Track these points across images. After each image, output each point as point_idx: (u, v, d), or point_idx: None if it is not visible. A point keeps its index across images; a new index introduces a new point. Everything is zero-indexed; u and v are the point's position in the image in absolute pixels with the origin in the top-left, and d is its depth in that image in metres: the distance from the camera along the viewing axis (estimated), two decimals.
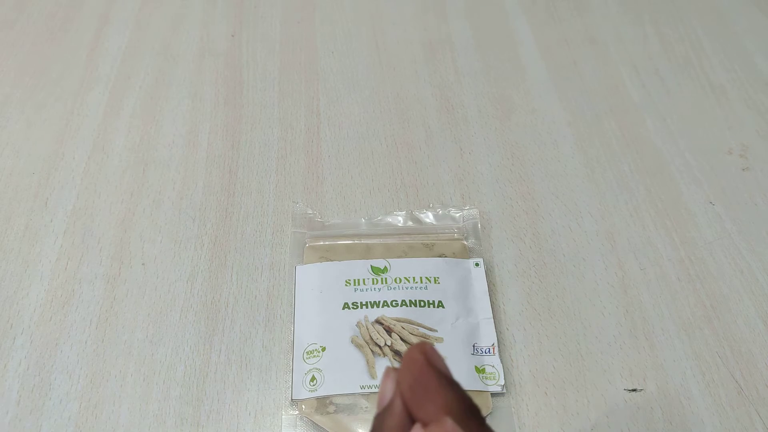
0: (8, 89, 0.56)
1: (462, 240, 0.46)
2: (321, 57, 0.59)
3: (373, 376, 0.38)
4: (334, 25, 0.62)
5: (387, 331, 0.40)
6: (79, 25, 0.62)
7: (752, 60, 0.59)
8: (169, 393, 0.39)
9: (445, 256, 0.44)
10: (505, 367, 0.40)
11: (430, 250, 0.45)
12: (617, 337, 0.42)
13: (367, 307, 0.41)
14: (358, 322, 0.41)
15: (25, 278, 0.44)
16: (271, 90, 0.57)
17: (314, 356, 0.40)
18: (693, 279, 0.44)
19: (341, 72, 0.58)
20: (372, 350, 0.39)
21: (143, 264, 0.45)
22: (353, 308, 0.41)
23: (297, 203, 0.48)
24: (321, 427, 0.37)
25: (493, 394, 0.39)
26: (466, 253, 0.45)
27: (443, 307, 0.41)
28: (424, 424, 0.21)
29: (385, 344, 0.39)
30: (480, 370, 0.39)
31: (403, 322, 0.41)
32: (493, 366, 0.39)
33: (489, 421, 0.22)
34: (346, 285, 0.42)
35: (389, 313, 0.41)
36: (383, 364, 0.39)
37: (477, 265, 0.44)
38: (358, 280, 0.43)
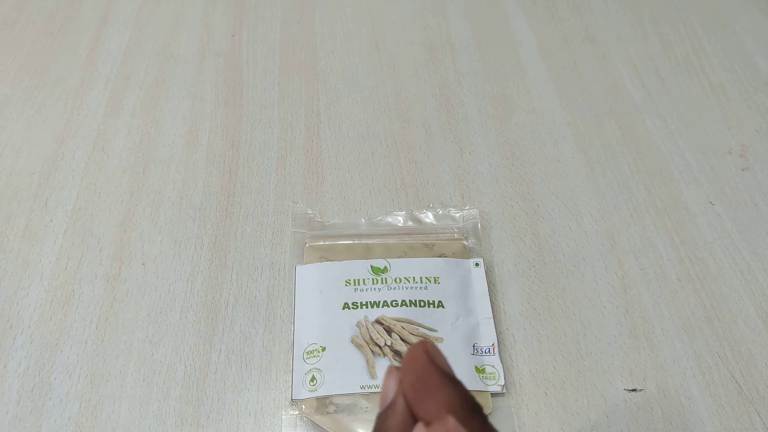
0: (8, 89, 0.56)
1: (462, 240, 0.46)
2: (321, 57, 0.59)
3: (373, 376, 0.38)
4: (334, 25, 0.62)
5: (387, 331, 0.40)
6: (79, 25, 0.62)
7: (752, 60, 0.59)
8: (169, 393, 0.39)
9: (445, 256, 0.44)
10: (505, 367, 0.40)
11: (430, 250, 0.45)
12: (617, 337, 0.42)
13: (367, 307, 0.41)
14: (358, 322, 0.41)
15: (25, 278, 0.44)
16: (271, 90, 0.57)
17: (314, 356, 0.40)
18: (693, 279, 0.44)
19: (341, 72, 0.58)
20: (372, 350, 0.39)
21: (143, 264, 0.45)
22: (353, 308, 0.41)
23: (297, 203, 0.48)
24: (321, 427, 0.37)
25: (493, 394, 0.39)
26: (466, 253, 0.45)
27: (443, 307, 0.41)
28: (427, 423, 0.21)
29: (385, 344, 0.39)
30: (480, 370, 0.39)
31: (403, 322, 0.41)
32: (493, 366, 0.39)
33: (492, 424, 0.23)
34: (346, 285, 0.42)
35: (389, 313, 0.41)
36: (383, 364, 0.39)
37: (477, 265, 0.44)
38: (358, 280, 0.43)
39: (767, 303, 0.43)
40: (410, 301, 0.42)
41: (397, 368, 0.23)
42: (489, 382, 0.39)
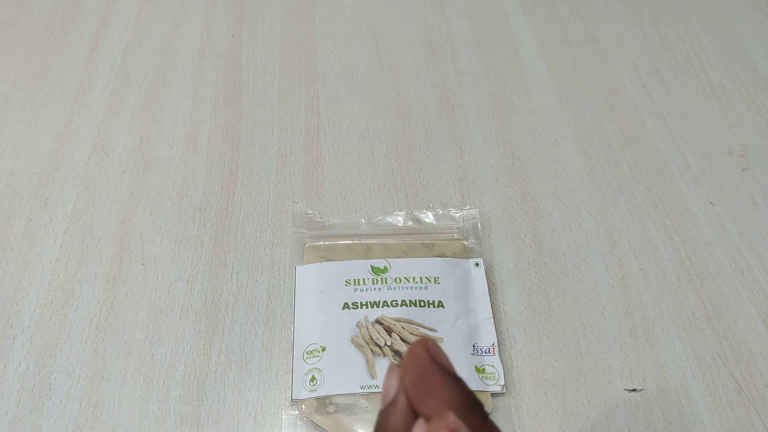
0: (8, 89, 0.56)
1: (462, 240, 0.46)
2: (321, 57, 0.59)
3: (373, 376, 0.38)
4: (334, 25, 0.62)
5: (387, 331, 0.40)
6: (79, 25, 0.62)
7: (752, 60, 0.59)
8: (169, 393, 0.39)
9: (445, 256, 0.44)
10: (505, 367, 0.40)
11: (430, 250, 0.45)
12: (617, 337, 0.42)
13: (367, 307, 0.41)
14: (358, 322, 0.41)
15: (25, 278, 0.44)
16: (271, 90, 0.57)
17: (314, 356, 0.40)
18: (693, 279, 0.44)
19: (341, 72, 0.58)
20: (372, 350, 0.39)
21: (143, 264, 0.45)
22: (353, 308, 0.41)
23: (297, 203, 0.48)
24: (321, 427, 0.37)
25: (493, 394, 0.39)
26: (466, 253, 0.45)
27: (443, 307, 0.41)
28: (427, 419, 0.21)
29: (385, 344, 0.39)
30: (480, 370, 0.39)
31: (403, 322, 0.41)
32: (493, 366, 0.39)
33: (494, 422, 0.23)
34: (346, 285, 0.42)
35: (389, 313, 0.41)
36: (383, 364, 0.39)
37: (477, 265, 0.44)
38: (358, 280, 0.43)
39: (767, 303, 0.43)
40: (410, 301, 0.42)
41: (398, 366, 0.23)
42: (489, 382, 0.39)
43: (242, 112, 0.55)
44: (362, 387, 0.38)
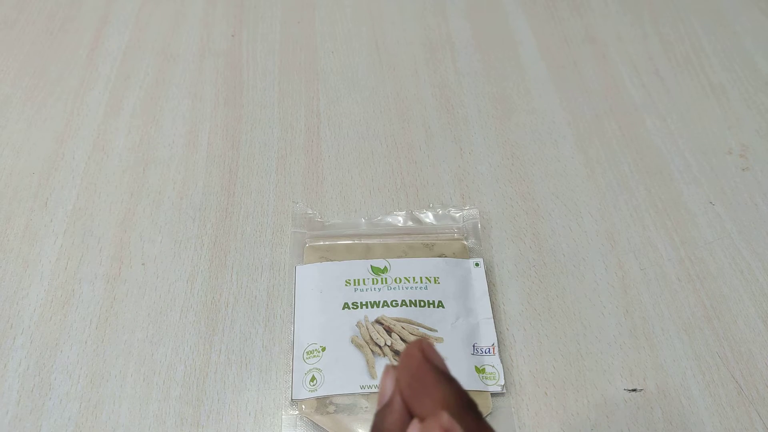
0: (8, 89, 0.56)
1: (462, 240, 0.46)
2: (321, 57, 0.59)
3: (373, 376, 0.38)
4: (334, 25, 0.62)
5: (387, 331, 0.40)
6: (79, 25, 0.62)
7: (752, 60, 0.59)
8: (169, 393, 0.39)
9: (445, 256, 0.44)
10: (505, 367, 0.40)
11: (430, 250, 0.45)
12: (617, 337, 0.42)
13: (367, 307, 0.41)
14: (358, 322, 0.41)
15: (25, 278, 0.44)
16: (271, 90, 0.57)
17: (314, 356, 0.40)
18: (693, 279, 0.44)
19: (341, 72, 0.58)
20: (372, 350, 0.39)
21: (143, 264, 0.45)
22: (353, 308, 0.41)
23: (297, 203, 0.48)
24: (321, 427, 0.37)
25: (493, 394, 0.39)
26: (466, 253, 0.45)
27: (443, 307, 0.41)
28: (422, 419, 0.21)
29: (385, 344, 0.39)
30: (480, 370, 0.39)
31: (403, 322, 0.41)
32: (493, 366, 0.39)
33: (489, 421, 0.23)
34: (346, 285, 0.42)
35: (389, 313, 0.41)
36: (383, 364, 0.39)
37: (477, 265, 0.44)
38: (358, 280, 0.43)
39: (767, 303, 0.43)
40: (410, 301, 0.42)
41: (394, 367, 0.23)
42: (489, 382, 0.39)
43: (242, 112, 0.55)
44: (362, 387, 0.38)
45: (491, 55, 0.59)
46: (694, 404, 0.39)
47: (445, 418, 0.20)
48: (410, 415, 0.22)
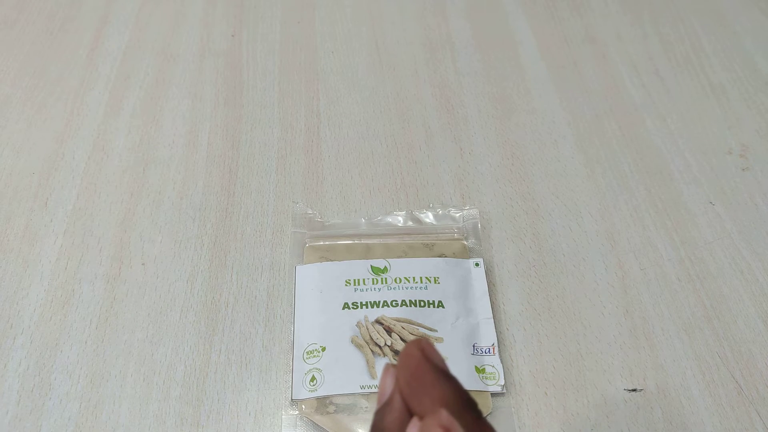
0: (8, 89, 0.56)
1: (462, 240, 0.46)
2: (321, 57, 0.59)
3: (373, 376, 0.38)
4: (334, 25, 0.62)
5: (387, 331, 0.40)
6: (79, 25, 0.62)
7: (752, 60, 0.59)
8: (169, 393, 0.39)
9: (445, 256, 0.44)
10: (505, 367, 0.40)
11: (430, 250, 0.45)
12: (617, 337, 0.42)
13: (367, 307, 0.41)
14: (358, 322, 0.41)
15: (25, 278, 0.44)
16: (271, 90, 0.57)
17: (314, 356, 0.40)
18: (693, 279, 0.44)
19: (341, 72, 0.58)
20: (372, 350, 0.39)
21: (143, 264, 0.45)
22: (353, 308, 0.41)
23: (297, 203, 0.48)
24: (321, 427, 0.37)
25: (493, 394, 0.39)
26: (466, 253, 0.45)
27: (443, 307, 0.41)
28: (421, 418, 0.21)
29: (385, 344, 0.39)
30: (480, 370, 0.39)
31: (403, 322, 0.41)
32: (493, 366, 0.39)
33: (489, 421, 0.23)
34: (346, 285, 0.42)
35: (389, 313, 0.41)
36: (383, 364, 0.39)
37: (477, 265, 0.44)
38: (358, 280, 0.43)
39: (767, 303, 0.43)
40: (410, 301, 0.42)
41: (393, 366, 0.23)
42: (489, 382, 0.39)
43: (242, 112, 0.55)
44: (362, 387, 0.38)
45: (491, 55, 0.59)
46: (694, 404, 0.39)
47: (445, 416, 0.20)
48: (410, 413, 0.22)
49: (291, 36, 0.61)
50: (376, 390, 0.38)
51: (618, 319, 0.43)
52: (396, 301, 0.42)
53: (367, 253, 0.44)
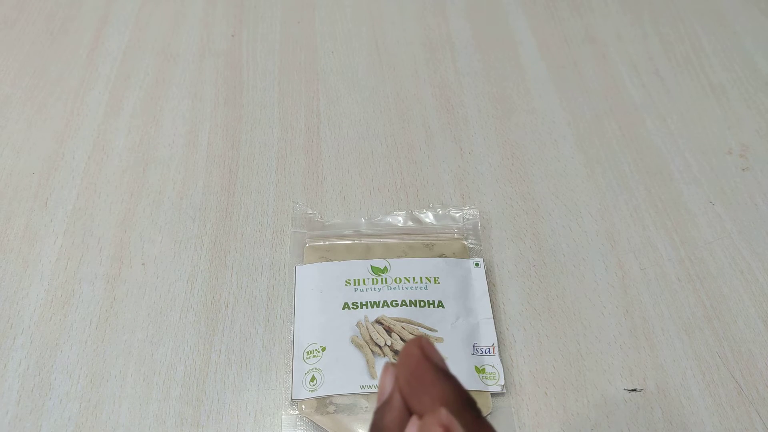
0: (8, 89, 0.56)
1: (462, 240, 0.46)
2: (321, 57, 0.59)
3: (373, 376, 0.38)
4: (334, 25, 0.62)
5: (387, 331, 0.40)
6: (79, 25, 0.62)
7: (752, 60, 0.59)
8: (169, 393, 0.39)
9: (445, 256, 0.44)
10: (505, 367, 0.40)
11: (430, 250, 0.45)
12: (617, 337, 0.42)
13: (367, 307, 0.41)
14: (358, 322, 0.41)
15: (25, 278, 0.44)
16: (271, 90, 0.57)
17: (314, 356, 0.40)
18: (693, 279, 0.44)
19: (341, 72, 0.58)
20: (372, 350, 0.39)
21: (143, 264, 0.45)
22: (353, 308, 0.41)
23: (297, 203, 0.48)
24: (321, 427, 0.37)
25: (493, 394, 0.39)
26: (466, 253, 0.45)
27: (443, 307, 0.41)
28: (421, 416, 0.21)
29: (385, 344, 0.39)
30: (480, 370, 0.39)
31: (403, 322, 0.41)
32: (493, 366, 0.39)
33: (489, 421, 0.23)
34: (346, 285, 0.42)
35: (389, 313, 0.41)
36: (383, 364, 0.39)
37: (477, 265, 0.44)
38: (358, 280, 0.43)
39: (767, 303, 0.43)
40: (410, 301, 0.42)
41: (393, 365, 0.23)
42: (489, 382, 0.39)
43: (242, 112, 0.55)
44: (362, 387, 0.38)
45: (491, 55, 0.59)
46: (694, 404, 0.39)
47: (444, 414, 0.20)
48: (409, 412, 0.22)
49: (291, 36, 0.61)
50: (376, 390, 0.38)
51: (618, 319, 0.43)
52: (396, 301, 0.42)
53: (367, 253, 0.44)
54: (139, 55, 0.59)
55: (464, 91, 0.56)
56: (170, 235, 0.47)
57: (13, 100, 0.56)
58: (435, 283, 0.43)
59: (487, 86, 0.57)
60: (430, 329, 0.41)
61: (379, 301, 0.42)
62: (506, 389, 0.39)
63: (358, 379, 0.38)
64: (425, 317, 0.41)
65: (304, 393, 0.38)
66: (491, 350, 0.40)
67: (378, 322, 0.41)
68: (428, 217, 0.47)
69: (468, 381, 0.39)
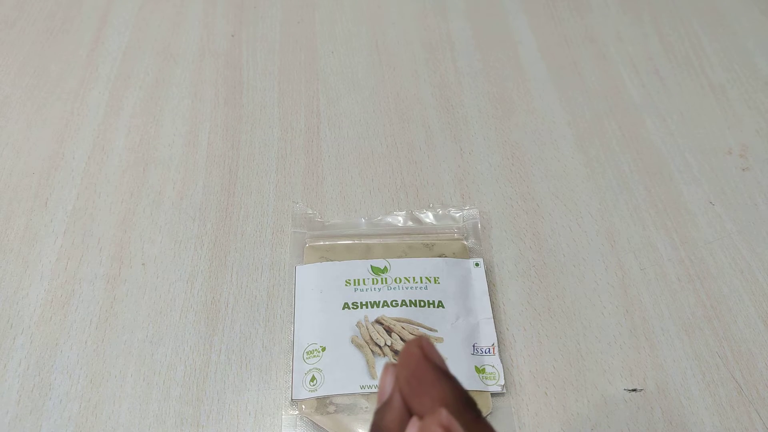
0: (8, 89, 0.56)
1: (462, 240, 0.46)
2: (321, 57, 0.59)
3: (373, 376, 0.38)
4: (334, 25, 0.62)
5: (387, 331, 0.40)
6: (79, 25, 0.62)
7: (752, 60, 0.59)
8: (169, 393, 0.39)
9: (445, 256, 0.44)
10: (505, 367, 0.40)
11: (430, 250, 0.45)
12: (617, 337, 0.42)
13: (367, 307, 0.41)
14: (358, 322, 0.41)
15: (25, 278, 0.44)
16: (271, 90, 0.57)
17: (314, 356, 0.40)
18: (693, 279, 0.44)
19: (341, 72, 0.58)
20: (372, 350, 0.39)
21: (143, 264, 0.45)
22: (353, 308, 0.41)
23: (297, 203, 0.48)
24: (321, 427, 0.37)
25: (493, 394, 0.39)
26: (466, 253, 0.45)
27: (443, 307, 0.41)
28: (421, 417, 0.21)
29: (385, 344, 0.39)
30: (480, 370, 0.39)
31: (403, 322, 0.41)
32: (493, 366, 0.39)
33: (489, 421, 0.23)
34: (346, 285, 0.42)
35: (389, 313, 0.41)
36: (383, 364, 0.39)
37: (477, 265, 0.44)
38: (358, 280, 0.43)
39: (767, 303, 0.43)
40: (410, 301, 0.42)
41: (393, 365, 0.23)
42: (489, 382, 0.39)
43: (242, 112, 0.55)
44: (362, 387, 0.38)
45: (491, 55, 0.59)
46: (694, 404, 0.39)
47: (444, 415, 0.20)
48: (410, 412, 0.22)
49: (291, 36, 0.61)
50: (376, 390, 0.38)
51: (618, 319, 0.43)
52: (396, 301, 0.42)
53: (367, 253, 0.44)
54: (139, 55, 0.59)
55: (464, 91, 0.56)
56: (170, 235, 0.47)
57: (13, 100, 0.56)
58: (435, 283, 0.43)
59: (487, 86, 0.57)
60: (430, 329, 0.41)
61: (379, 301, 0.42)
62: (506, 389, 0.39)
63: (358, 379, 0.38)
64: (425, 317, 0.41)
65: (304, 393, 0.38)
66: (491, 350, 0.40)
67: (378, 322, 0.41)
68: (428, 217, 0.47)
69: (468, 381, 0.39)
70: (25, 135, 0.53)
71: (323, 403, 0.38)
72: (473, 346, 0.40)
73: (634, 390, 0.39)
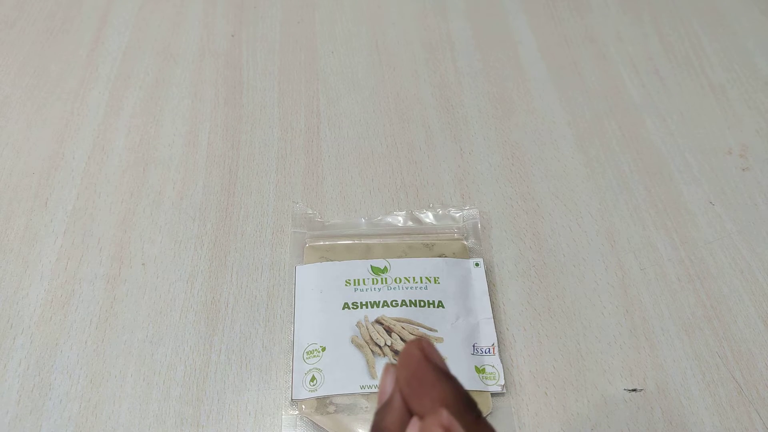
0: (8, 89, 0.56)
1: (462, 240, 0.46)
2: (321, 57, 0.59)
3: (373, 376, 0.38)
4: (334, 25, 0.62)
5: (387, 331, 0.40)
6: (79, 25, 0.62)
7: (752, 60, 0.59)
8: (169, 393, 0.39)
9: (445, 256, 0.44)
10: (505, 367, 0.40)
11: (430, 250, 0.45)
12: (617, 337, 0.42)
13: (367, 307, 0.41)
14: (358, 322, 0.41)
15: (25, 278, 0.44)
16: (271, 90, 0.57)
17: (314, 356, 0.40)
18: (693, 279, 0.44)
19: (341, 72, 0.58)
20: (372, 350, 0.39)
21: (143, 264, 0.45)
22: (353, 308, 0.41)
23: (297, 203, 0.48)
24: (321, 427, 0.37)
25: (493, 394, 0.39)
26: (466, 253, 0.45)
27: (443, 307, 0.41)
28: (422, 417, 0.21)
29: (385, 344, 0.39)
30: (480, 370, 0.39)
31: (403, 322, 0.41)
32: (493, 366, 0.39)
33: (489, 421, 0.23)
34: (346, 285, 0.42)
35: (389, 313, 0.41)
36: (383, 364, 0.39)
37: (477, 265, 0.44)
38: (358, 280, 0.43)
39: (767, 303, 0.43)
40: (410, 301, 0.42)
41: (394, 366, 0.23)
42: (489, 382, 0.39)
43: (242, 112, 0.55)
44: (362, 387, 0.38)
45: (491, 55, 0.59)
46: (694, 404, 0.39)
47: (445, 415, 0.20)
48: (410, 413, 0.22)
49: (291, 36, 0.61)
50: (376, 390, 0.38)
51: (618, 319, 0.43)
52: (396, 301, 0.42)
53: (367, 253, 0.44)
54: (139, 55, 0.59)
55: (464, 91, 0.56)
56: (170, 235, 0.47)
57: (13, 100, 0.56)
58: (435, 283, 0.43)
59: (487, 86, 0.57)
60: (430, 329, 0.41)
61: (379, 301, 0.42)
62: (506, 389, 0.39)
63: (358, 379, 0.38)
64: (425, 317, 0.41)
65: (304, 393, 0.38)
66: (491, 350, 0.40)
67: (378, 322, 0.41)
68: (428, 217, 0.47)
69: (468, 381, 0.39)
70: (25, 135, 0.53)
71: (323, 403, 0.38)
72: (473, 346, 0.40)
73: (634, 390, 0.39)
